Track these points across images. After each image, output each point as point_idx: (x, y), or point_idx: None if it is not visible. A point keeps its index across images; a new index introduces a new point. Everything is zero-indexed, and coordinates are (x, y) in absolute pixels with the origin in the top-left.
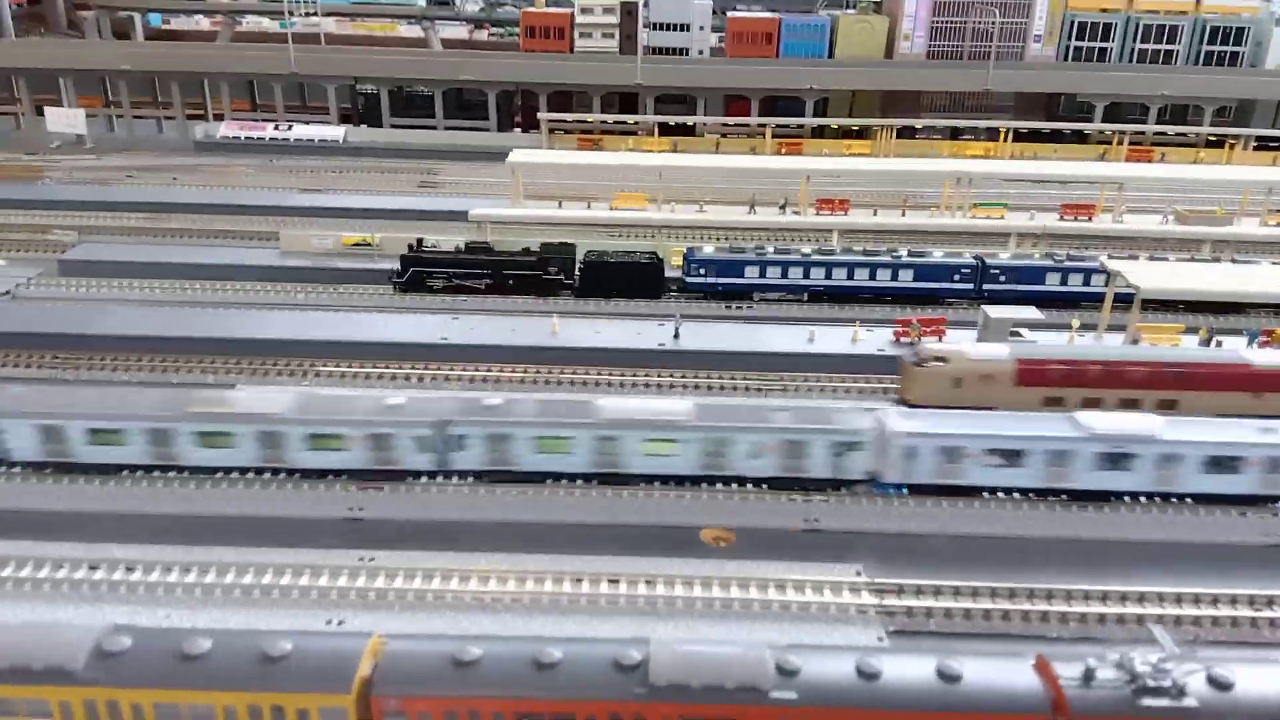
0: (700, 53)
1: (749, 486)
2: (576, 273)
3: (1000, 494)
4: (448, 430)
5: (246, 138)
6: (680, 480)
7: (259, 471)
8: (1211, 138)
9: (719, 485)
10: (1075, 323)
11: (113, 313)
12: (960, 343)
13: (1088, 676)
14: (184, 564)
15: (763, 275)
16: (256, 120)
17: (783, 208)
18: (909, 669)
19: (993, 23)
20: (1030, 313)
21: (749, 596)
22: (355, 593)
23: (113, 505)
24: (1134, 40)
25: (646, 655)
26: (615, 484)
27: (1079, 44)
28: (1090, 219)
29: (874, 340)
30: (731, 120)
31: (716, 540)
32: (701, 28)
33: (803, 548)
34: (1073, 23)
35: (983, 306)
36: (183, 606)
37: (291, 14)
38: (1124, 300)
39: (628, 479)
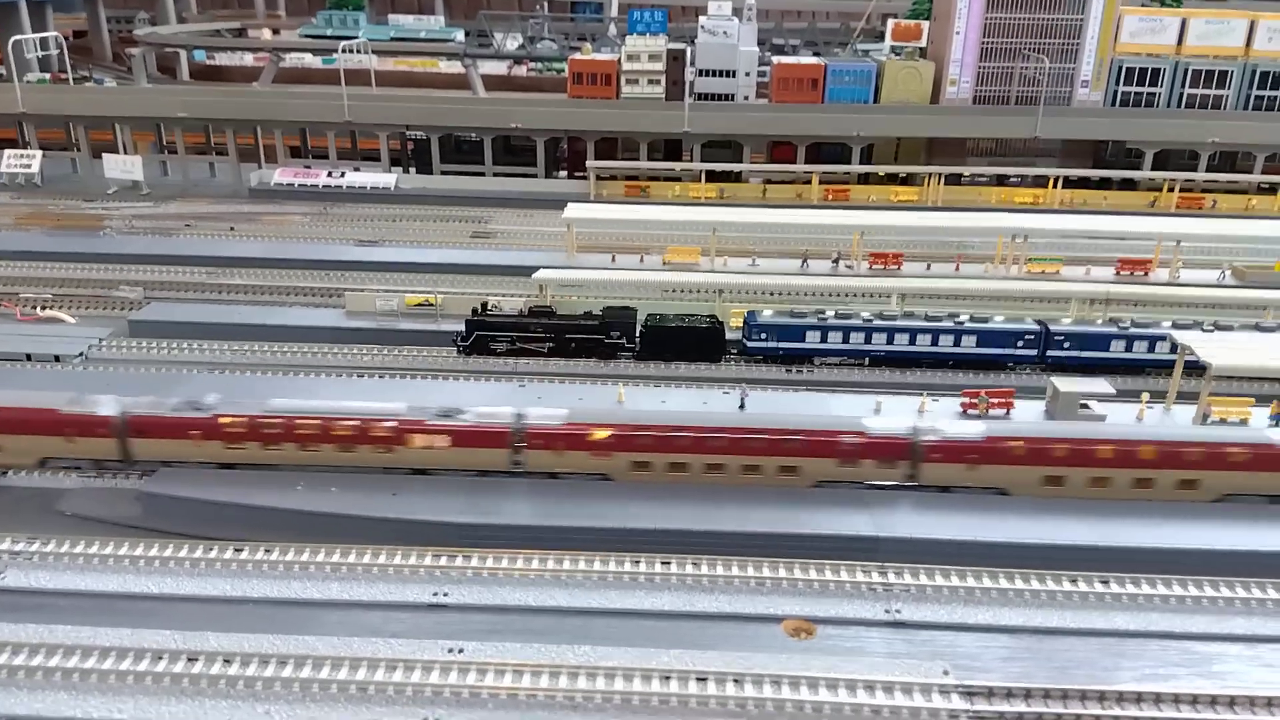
0: (745, 98)
1: (827, 573)
2: (638, 337)
3: (1098, 585)
4: None
5: (300, 184)
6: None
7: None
8: (1263, 184)
9: (797, 569)
10: (1145, 396)
11: (188, 380)
12: None
13: None
14: (279, 656)
15: (824, 340)
16: (310, 168)
17: (836, 261)
18: None
19: (1040, 68)
20: (1101, 385)
21: (838, 700)
22: (449, 690)
23: (205, 589)
24: (1183, 85)
25: None
26: (693, 567)
27: (1127, 89)
28: (1146, 274)
29: (941, 411)
30: (778, 168)
31: (797, 632)
32: (748, 74)
33: (885, 640)
34: (1120, 67)
35: (1051, 378)
36: (281, 702)
37: (342, 51)
38: (1191, 367)
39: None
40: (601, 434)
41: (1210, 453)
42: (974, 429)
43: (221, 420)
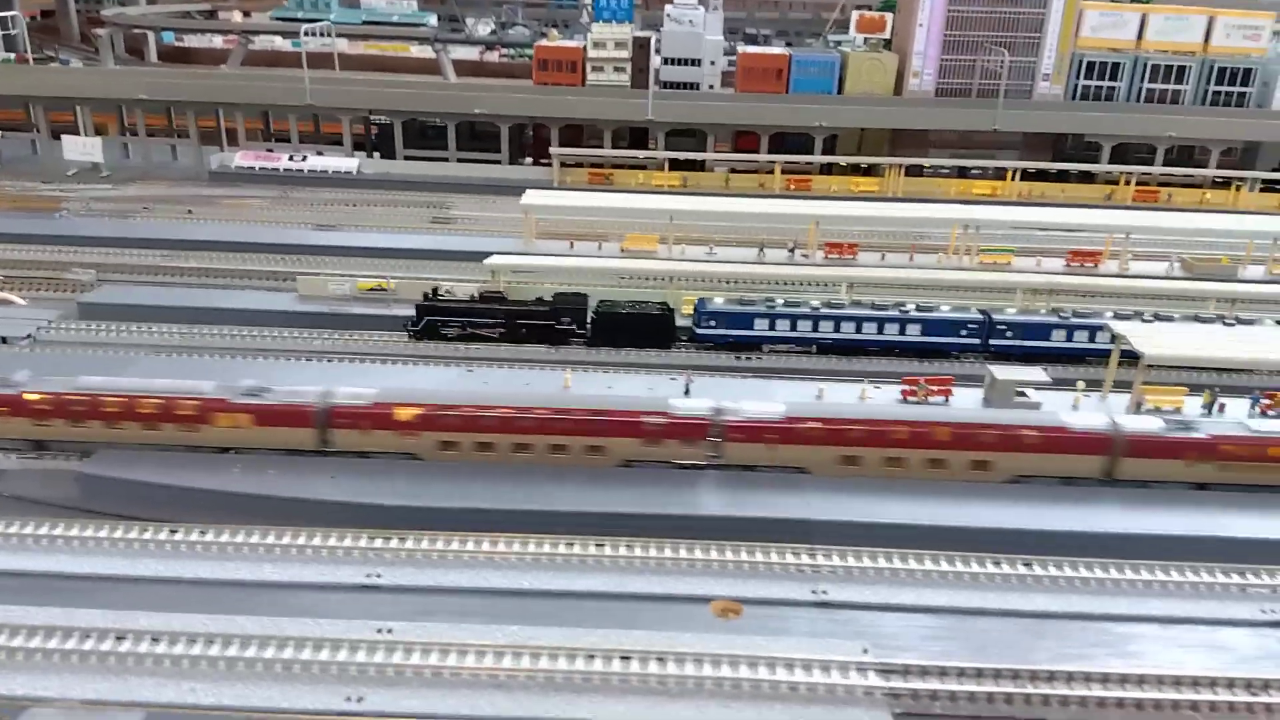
0: (710, 87)
1: (758, 555)
2: (588, 323)
3: (1021, 567)
4: None
5: (261, 168)
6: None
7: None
8: (1217, 179)
9: (729, 551)
10: (1081, 384)
11: (135, 362)
12: None
13: None
14: (207, 635)
15: (772, 328)
16: (271, 151)
17: (791, 250)
18: None
19: (1002, 62)
20: (1036, 373)
21: (758, 677)
22: (374, 669)
23: (139, 570)
24: (1142, 80)
25: None
26: (625, 549)
27: (1087, 83)
28: (1096, 264)
29: (883, 397)
30: (742, 157)
31: (725, 612)
32: (713, 62)
33: (810, 620)
34: (1081, 61)
35: (989, 366)
36: (206, 680)
37: (307, 35)
38: (1129, 357)
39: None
40: (407, 414)
41: (1003, 435)
42: (774, 410)
43: (27, 397)
